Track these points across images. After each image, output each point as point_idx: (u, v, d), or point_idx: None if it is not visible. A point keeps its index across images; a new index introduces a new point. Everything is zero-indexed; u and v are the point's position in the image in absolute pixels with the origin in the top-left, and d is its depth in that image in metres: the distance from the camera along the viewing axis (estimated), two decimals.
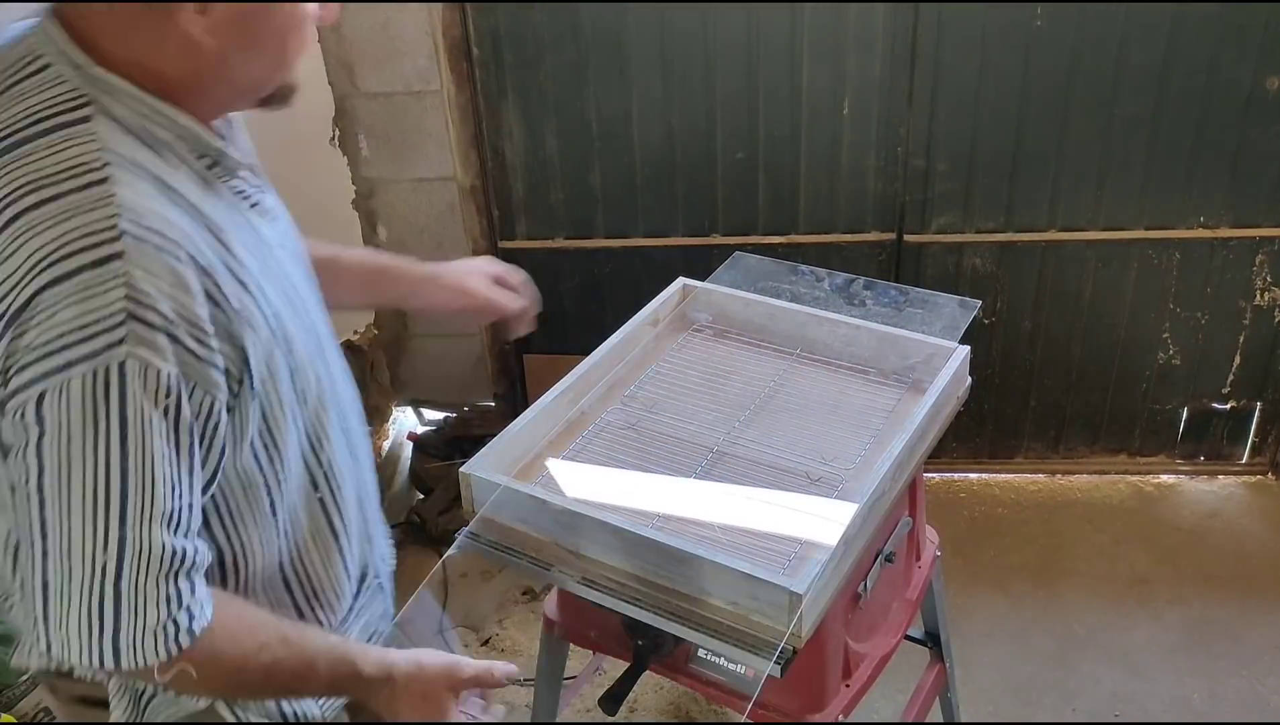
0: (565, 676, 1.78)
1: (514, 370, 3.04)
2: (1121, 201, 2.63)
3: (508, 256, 2.88)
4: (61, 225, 0.86)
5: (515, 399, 3.05)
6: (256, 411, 1.00)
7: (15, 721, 2.00)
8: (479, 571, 2.70)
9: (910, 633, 1.77)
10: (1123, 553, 2.74)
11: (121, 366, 0.85)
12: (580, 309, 2.91)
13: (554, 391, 1.57)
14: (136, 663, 0.92)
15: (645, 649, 1.43)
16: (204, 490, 0.97)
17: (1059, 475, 3.01)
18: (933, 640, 1.91)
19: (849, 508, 1.35)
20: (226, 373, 0.94)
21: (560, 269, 2.88)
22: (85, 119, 0.91)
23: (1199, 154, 2.55)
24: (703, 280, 1.85)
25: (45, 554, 0.89)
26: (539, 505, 1.38)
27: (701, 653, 1.45)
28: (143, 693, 1.09)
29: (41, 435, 0.86)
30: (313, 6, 0.99)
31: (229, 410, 0.96)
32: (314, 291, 1.18)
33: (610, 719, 1.51)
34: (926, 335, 1.68)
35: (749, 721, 1.49)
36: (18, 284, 0.86)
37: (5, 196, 0.89)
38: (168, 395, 0.88)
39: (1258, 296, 2.73)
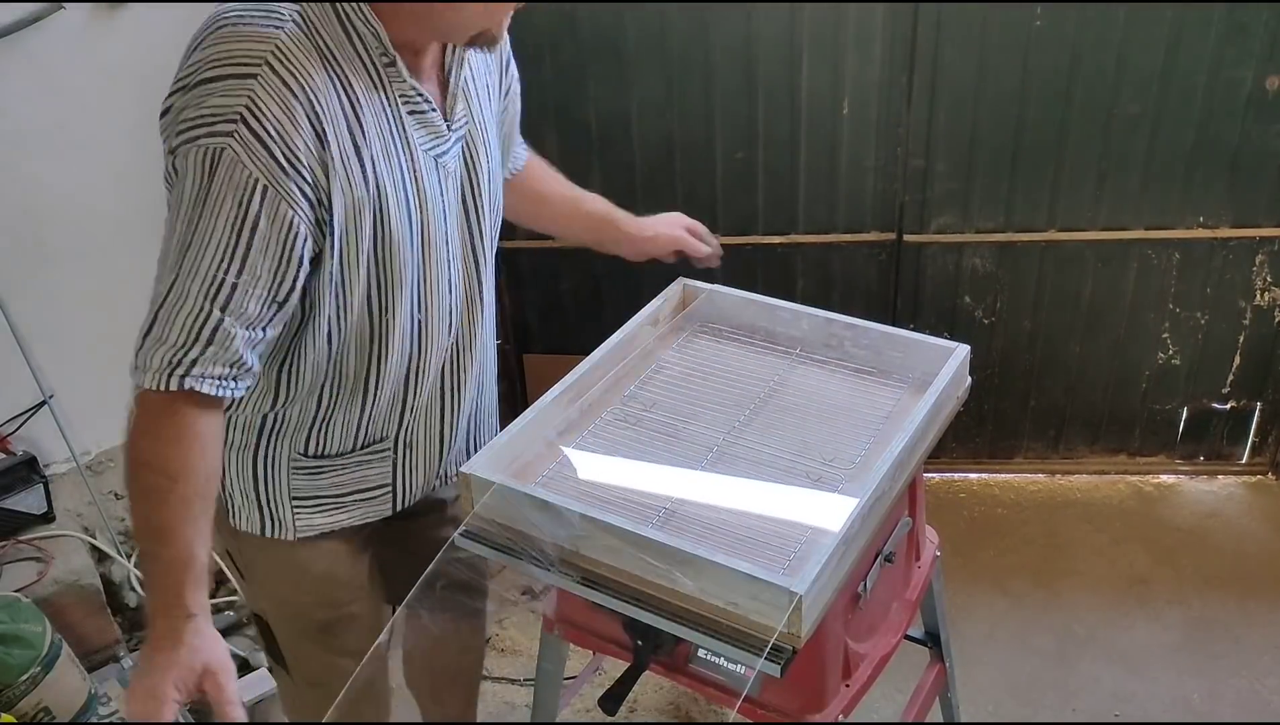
0: (565, 676, 1.78)
1: (514, 370, 3.04)
2: (1121, 201, 2.63)
3: (508, 256, 2.89)
4: (237, 44, 1.15)
5: (515, 399, 3.05)
6: (335, 251, 1.24)
7: (15, 721, 2.00)
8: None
9: (910, 633, 1.77)
10: (1122, 553, 2.74)
11: (220, 151, 1.13)
12: (580, 309, 2.91)
13: (554, 391, 1.57)
14: (140, 378, 1.17)
15: (645, 649, 1.43)
16: (283, 300, 1.21)
17: (1059, 475, 3.01)
18: (933, 640, 1.91)
19: (849, 508, 1.35)
20: (311, 198, 1.18)
21: (560, 269, 2.87)
22: (278, 26, 1.17)
23: (1199, 154, 2.55)
24: (703, 280, 1.85)
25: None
26: (538, 505, 1.38)
27: (701, 653, 1.45)
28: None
29: (173, 185, 1.17)
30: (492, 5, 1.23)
31: (311, 235, 1.20)
32: (473, 206, 1.42)
33: (610, 719, 1.52)
34: (926, 335, 1.69)
35: (748, 721, 1.49)
36: (195, 71, 1.16)
37: (223, 14, 1.19)
38: (249, 189, 1.14)
39: (1258, 296, 2.73)
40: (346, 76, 1.21)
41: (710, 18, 2.50)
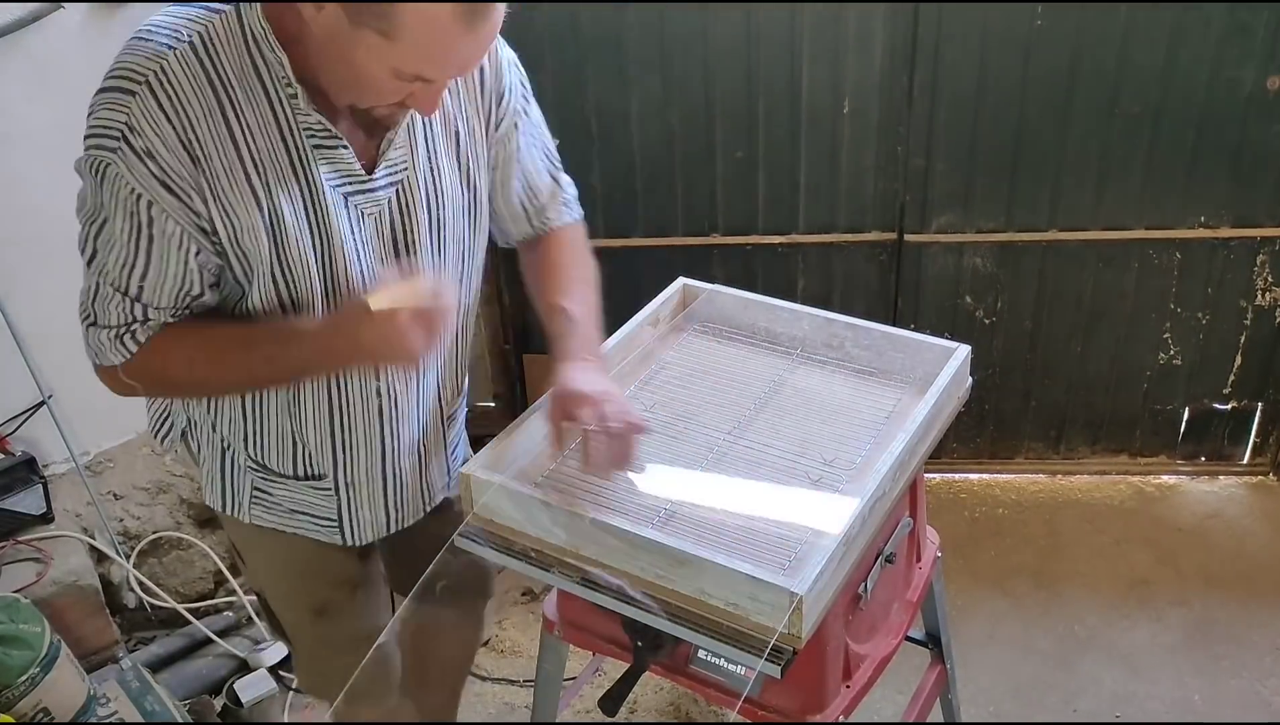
0: (565, 678, 1.78)
1: (514, 370, 3.04)
2: (1122, 201, 2.63)
3: (507, 256, 2.88)
4: (134, 56, 1.17)
5: (515, 399, 3.05)
6: (233, 267, 1.26)
7: (14, 722, 2.00)
8: None
9: (911, 634, 1.77)
10: (1123, 553, 2.74)
11: (107, 166, 1.16)
12: None
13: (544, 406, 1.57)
14: (100, 359, 1.30)
15: (645, 649, 1.43)
16: (196, 294, 1.27)
17: (1059, 476, 3.01)
18: (933, 641, 1.90)
19: (849, 508, 1.35)
20: (191, 217, 1.20)
21: None
22: (219, 13, 1.19)
23: (1200, 154, 2.55)
24: (703, 280, 1.84)
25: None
26: (538, 505, 1.37)
27: (701, 653, 1.44)
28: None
29: (82, 179, 1.22)
30: (399, 86, 1.15)
31: (202, 247, 1.23)
32: (411, 255, 1.36)
33: (610, 719, 1.51)
34: (927, 336, 1.68)
35: (749, 722, 1.48)
36: (109, 83, 1.18)
37: (145, 25, 1.20)
38: (134, 202, 1.18)
39: (1259, 296, 2.73)
40: (238, 102, 1.19)
41: (710, 18, 2.50)
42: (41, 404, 2.37)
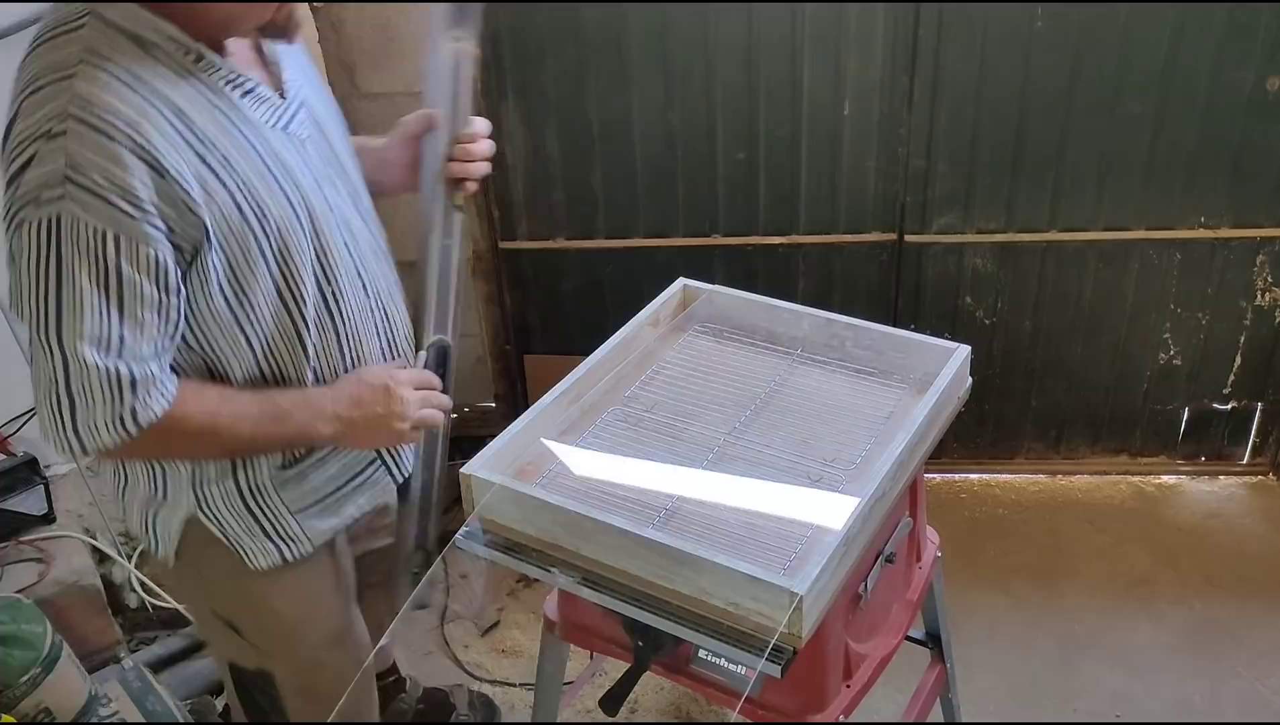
0: (564, 681, 1.78)
1: (514, 370, 3.04)
2: (1122, 202, 2.63)
3: (508, 257, 2.89)
4: (39, 111, 1.12)
5: (515, 399, 3.05)
6: (220, 263, 1.23)
7: (15, 722, 2.00)
8: (479, 572, 2.70)
9: (911, 633, 1.77)
10: (1124, 553, 2.74)
11: (58, 218, 1.10)
12: (580, 309, 2.91)
13: (554, 392, 1.57)
14: (97, 445, 1.20)
15: (645, 649, 1.43)
16: (175, 322, 1.22)
17: (1060, 476, 3.01)
18: (933, 641, 1.90)
19: (849, 508, 1.35)
20: (171, 231, 1.16)
21: (561, 269, 2.87)
22: (79, 27, 1.15)
23: (1200, 154, 2.55)
24: (703, 281, 1.85)
25: (30, 361, 1.19)
26: (539, 505, 1.37)
27: (701, 653, 1.45)
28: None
29: (12, 260, 1.14)
30: None
31: (188, 262, 1.21)
32: (338, 168, 1.41)
33: (610, 719, 1.51)
34: (927, 336, 1.68)
35: (749, 722, 1.49)
36: (19, 151, 1.12)
37: (21, 89, 1.16)
38: (98, 243, 1.12)
39: (1259, 297, 2.73)
40: (160, 91, 1.16)
41: (710, 18, 2.50)
42: None
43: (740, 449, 1.54)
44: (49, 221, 1.10)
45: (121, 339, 1.17)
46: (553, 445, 1.55)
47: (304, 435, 1.38)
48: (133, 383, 1.19)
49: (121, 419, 1.19)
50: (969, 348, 1.64)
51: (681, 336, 1.79)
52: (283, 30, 1.28)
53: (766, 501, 1.44)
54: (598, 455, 1.54)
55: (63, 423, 1.19)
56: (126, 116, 1.12)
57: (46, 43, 1.17)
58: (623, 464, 1.52)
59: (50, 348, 1.15)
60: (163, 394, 1.23)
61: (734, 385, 1.67)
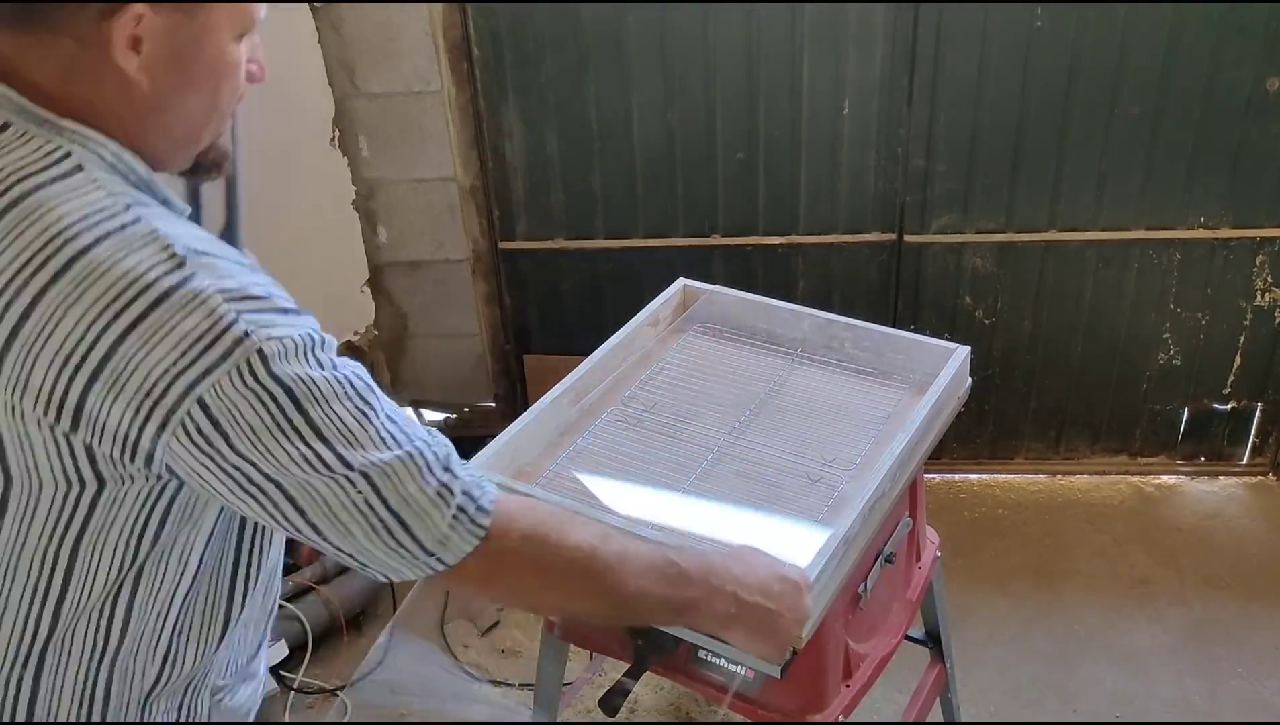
0: (564, 682, 1.78)
1: (514, 371, 3.04)
2: (1122, 201, 2.63)
3: (508, 257, 2.89)
4: (120, 266, 0.83)
5: (515, 399, 3.05)
6: None
7: None
8: None
9: (910, 633, 1.77)
10: (1123, 553, 2.74)
11: (261, 352, 0.85)
12: (580, 309, 2.91)
13: (554, 392, 1.57)
14: (457, 554, 0.95)
15: (645, 649, 1.43)
16: None
17: (1059, 476, 3.01)
18: (933, 641, 1.90)
19: (849, 508, 1.35)
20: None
21: (560, 269, 2.87)
22: (78, 168, 0.87)
23: (1199, 154, 2.55)
24: (703, 281, 1.85)
25: (313, 526, 0.91)
26: None
27: (701, 653, 1.44)
28: None
29: (227, 437, 0.85)
30: (243, 56, 0.95)
31: None
32: None
33: (610, 719, 1.51)
34: (926, 336, 1.68)
35: (749, 722, 1.48)
36: (86, 335, 0.82)
37: (35, 254, 0.83)
38: (307, 347, 0.89)
39: (1258, 297, 2.73)
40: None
41: (710, 18, 2.50)
42: None
43: (740, 449, 1.54)
44: (247, 366, 0.85)
45: (392, 419, 0.94)
46: (553, 448, 1.54)
47: (694, 610, 1.11)
48: (442, 458, 0.96)
49: (463, 508, 0.95)
50: (968, 348, 1.64)
51: (681, 337, 1.79)
52: (219, 163, 1.04)
53: (765, 502, 1.44)
54: (597, 456, 1.54)
55: (402, 547, 0.93)
56: (215, 241, 0.92)
57: (35, 194, 0.86)
58: (622, 465, 1.52)
59: (341, 482, 0.90)
60: (482, 481, 0.99)
61: (734, 385, 1.67)
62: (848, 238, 2.74)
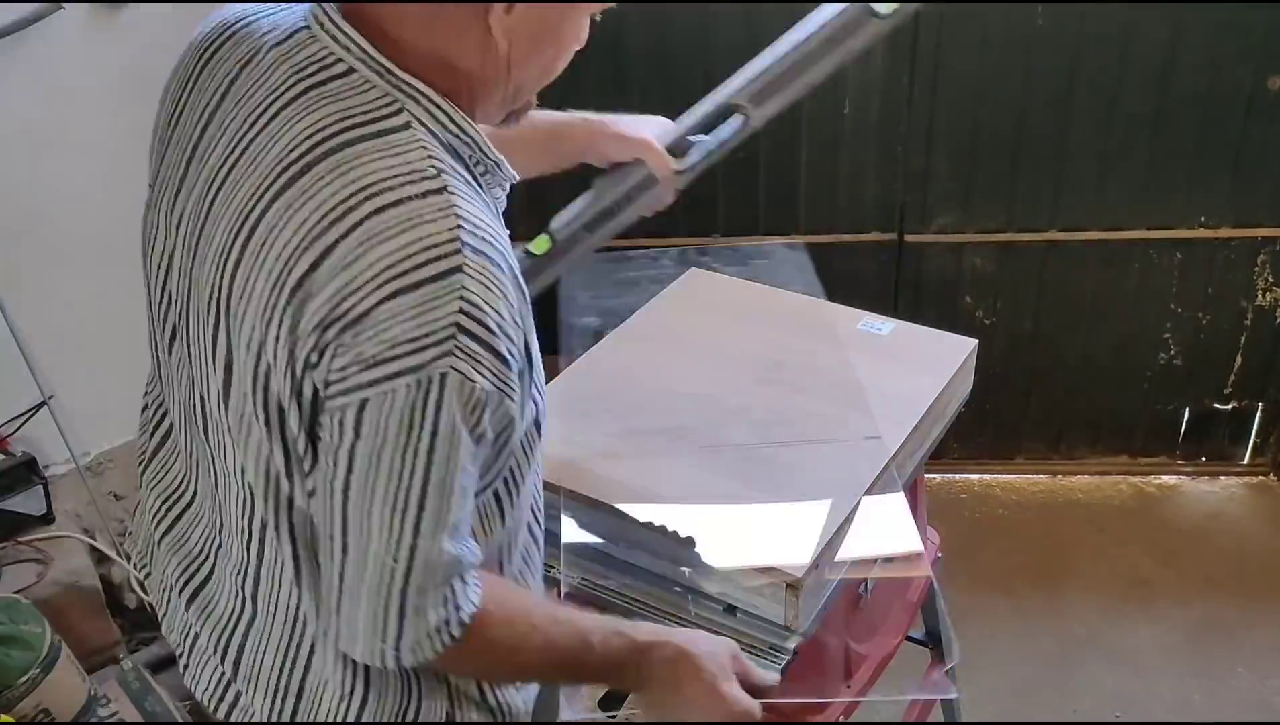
0: None
1: None
2: (1123, 201, 2.63)
3: None
4: (405, 234, 0.83)
5: None
6: (530, 413, 1.01)
7: (15, 722, 2.00)
8: None
9: (911, 634, 1.76)
10: (1124, 554, 2.73)
11: (443, 378, 0.83)
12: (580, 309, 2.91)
13: (553, 389, 1.57)
14: (416, 659, 0.93)
15: None
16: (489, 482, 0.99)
17: (1060, 476, 3.01)
18: (933, 641, 1.90)
19: (850, 508, 1.34)
20: (520, 375, 0.92)
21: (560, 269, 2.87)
22: (406, 125, 0.88)
23: (1200, 154, 2.55)
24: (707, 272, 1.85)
25: (344, 550, 0.89)
26: None
27: None
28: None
29: (357, 439, 0.85)
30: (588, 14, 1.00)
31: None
32: None
33: (610, 719, 1.51)
34: (933, 329, 1.68)
35: None
36: (360, 290, 0.83)
37: (346, 200, 0.84)
38: (477, 408, 0.86)
39: (1259, 297, 2.73)
40: (482, 199, 0.92)
41: (710, 18, 2.50)
42: (42, 405, 2.37)
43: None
44: (425, 385, 0.83)
45: (468, 514, 0.92)
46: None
47: (615, 644, 1.09)
48: (465, 569, 0.93)
49: (447, 621, 0.92)
50: (975, 342, 1.64)
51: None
52: (522, 114, 1.08)
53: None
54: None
55: (385, 633, 0.91)
56: (505, 242, 0.89)
57: (361, 143, 0.86)
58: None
59: (396, 544, 0.87)
60: (477, 583, 0.96)
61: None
62: (848, 237, 2.74)
